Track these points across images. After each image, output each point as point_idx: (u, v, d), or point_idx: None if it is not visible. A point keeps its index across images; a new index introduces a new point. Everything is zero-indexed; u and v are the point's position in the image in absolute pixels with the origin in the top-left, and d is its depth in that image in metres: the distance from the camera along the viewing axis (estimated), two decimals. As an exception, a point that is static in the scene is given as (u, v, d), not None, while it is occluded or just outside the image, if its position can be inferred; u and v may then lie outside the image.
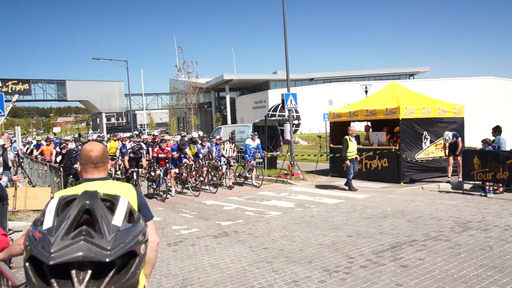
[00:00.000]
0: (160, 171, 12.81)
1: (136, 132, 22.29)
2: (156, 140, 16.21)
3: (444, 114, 14.05)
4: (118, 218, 1.54)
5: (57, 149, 16.80)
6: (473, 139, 18.02)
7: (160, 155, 13.42)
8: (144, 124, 60.03)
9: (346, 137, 12.70)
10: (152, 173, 13.38)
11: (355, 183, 12.89)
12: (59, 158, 15.45)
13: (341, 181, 13.47)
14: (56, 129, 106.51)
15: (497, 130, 11.95)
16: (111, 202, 1.62)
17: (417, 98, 14.81)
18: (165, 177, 12.96)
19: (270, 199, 11.79)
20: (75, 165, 12.10)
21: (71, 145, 15.07)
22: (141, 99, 63.37)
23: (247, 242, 7.31)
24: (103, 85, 60.39)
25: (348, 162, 12.55)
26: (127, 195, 2.42)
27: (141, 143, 16.27)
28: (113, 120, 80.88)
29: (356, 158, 12.77)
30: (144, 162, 13.52)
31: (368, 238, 7.20)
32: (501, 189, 10.97)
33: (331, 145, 15.77)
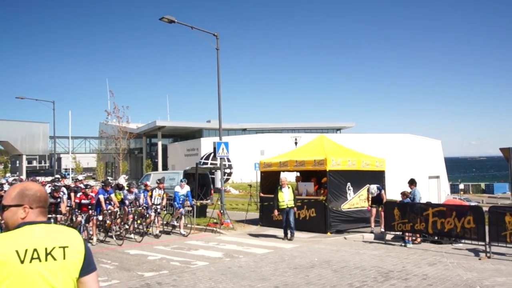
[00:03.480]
0: (82, 218, 12.03)
1: (58, 176, 20.97)
2: (77, 185, 15.30)
3: (368, 167, 14.75)
4: None
5: None
6: (392, 191, 18.99)
7: (83, 201, 12.66)
8: (69, 168, 56.88)
9: (279, 187, 12.86)
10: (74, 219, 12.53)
11: (283, 232, 12.91)
12: None
13: (270, 231, 13.43)
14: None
15: (412, 183, 12.72)
16: None
17: (343, 151, 15.47)
18: (87, 225, 12.16)
19: (198, 249, 11.41)
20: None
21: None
22: (67, 142, 60.32)
23: (171, 295, 6.91)
24: (26, 125, 56.83)
25: (276, 211, 12.62)
26: (73, 243, 2.20)
27: (63, 187, 15.27)
28: (34, 163, 76.03)
29: (289, 207, 12.71)
30: (63, 208, 12.64)
31: (295, 289, 7.11)
32: (418, 240, 11.51)
33: (261, 194, 15.84)
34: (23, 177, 36.63)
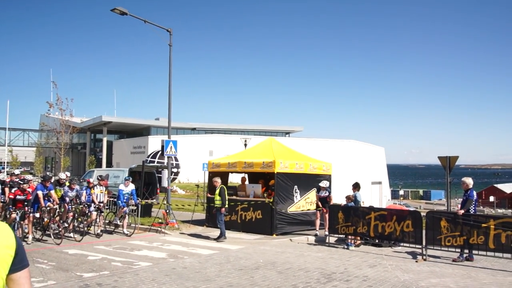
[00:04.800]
0: (17, 214, 11.37)
1: (-8, 170, 19.74)
2: (13, 180, 14.46)
3: (315, 171, 15.06)
4: None
5: None
6: (338, 196, 19.51)
7: (18, 197, 11.95)
8: (4, 162, 53.66)
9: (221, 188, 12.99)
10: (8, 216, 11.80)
11: (231, 233, 12.91)
12: None
13: (216, 232, 13.35)
14: None
15: (356, 187, 13.15)
16: None
17: (292, 154, 15.69)
18: (22, 222, 11.52)
19: (141, 249, 11.13)
20: None
21: None
22: (4, 133, 56.97)
23: (111, 296, 6.68)
24: (-44, 115, 53.19)
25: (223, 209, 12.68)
26: (2, 237, 2.03)
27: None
28: (-34, 156, 71.04)
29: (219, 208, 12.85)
30: None
31: (239, 290, 7.11)
32: (358, 242, 11.88)
33: (209, 195, 15.70)
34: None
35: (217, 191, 12.97)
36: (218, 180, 13.29)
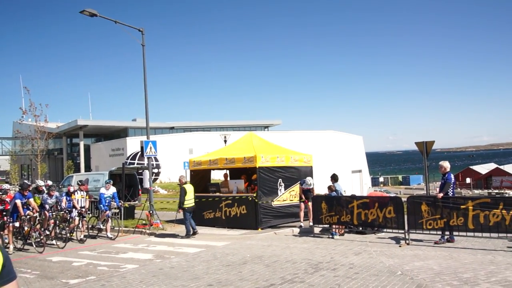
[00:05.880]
0: (-4, 225, 11.13)
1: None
2: None
3: (296, 163, 15.16)
4: None
5: None
6: (319, 186, 19.68)
7: (-4, 207, 11.70)
8: (-22, 172, 52.31)
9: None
10: None
11: (216, 230, 12.93)
12: None
13: (201, 230, 13.33)
14: None
15: (333, 178, 13.30)
16: None
17: (272, 148, 15.75)
18: (2, 232, 11.29)
19: (127, 252, 11.04)
20: None
21: None
22: (-25, 143, 55.48)
23: (100, 301, 6.62)
24: None
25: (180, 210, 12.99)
26: None
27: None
28: None
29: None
30: None
31: (228, 286, 7.14)
32: (342, 231, 12.03)
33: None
34: None
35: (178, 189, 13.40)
36: (183, 177, 13.94)
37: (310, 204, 13.12)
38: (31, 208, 12.09)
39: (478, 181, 69.64)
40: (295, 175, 14.76)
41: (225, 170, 16.46)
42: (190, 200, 13.02)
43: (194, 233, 12.89)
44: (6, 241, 11.54)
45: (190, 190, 13.17)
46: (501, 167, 72.50)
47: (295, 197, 14.38)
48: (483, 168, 75.17)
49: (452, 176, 10.48)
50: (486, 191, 57.50)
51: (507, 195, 43.42)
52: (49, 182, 14.29)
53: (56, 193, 13.41)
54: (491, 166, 76.45)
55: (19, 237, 12.34)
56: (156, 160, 34.59)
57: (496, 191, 55.68)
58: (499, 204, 9.38)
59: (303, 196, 13.54)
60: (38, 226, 12.14)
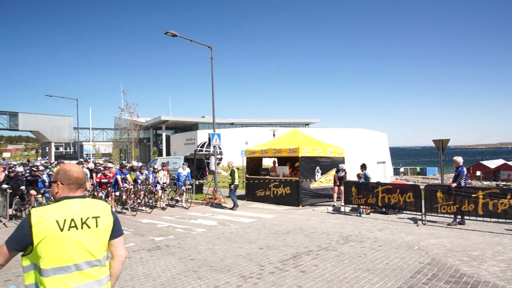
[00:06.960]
0: (102, 194, 11.87)
1: (82, 160, 20.54)
2: (98, 167, 15.02)
3: (331, 154, 14.89)
4: None
5: (6, 172, 14.79)
6: (350, 174, 19.20)
7: (102, 180, 12.49)
8: (90, 154, 55.81)
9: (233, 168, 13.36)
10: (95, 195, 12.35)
11: (266, 205, 13.02)
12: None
13: (254, 204, 13.47)
14: (6, 154, 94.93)
15: (363, 167, 12.92)
16: None
17: (312, 141, 15.56)
18: (106, 199, 12.02)
19: (197, 218, 11.40)
20: (22, 187, 10.80)
21: (19, 169, 13.44)
22: (88, 132, 59.18)
23: (177, 255, 6.92)
24: (54, 118, 55.52)
25: (232, 186, 13.04)
26: (104, 213, 2.18)
27: (85, 169, 14.99)
28: (61, 149, 74.22)
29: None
30: (88, 185, 12.45)
31: (275, 250, 7.20)
32: (368, 211, 11.72)
33: (247, 175, 15.86)
34: (52, 160, 35.78)
35: (229, 171, 13.27)
36: (231, 163, 13.81)
37: (342, 188, 12.88)
38: (127, 182, 12.78)
39: (487, 174, 64.93)
40: (330, 164, 14.52)
41: (273, 158, 16.49)
42: (237, 180, 13.24)
43: (237, 206, 13.13)
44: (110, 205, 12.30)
45: (237, 172, 13.36)
46: (509, 162, 67.14)
47: (329, 181, 14.16)
48: (492, 163, 69.92)
49: (465, 169, 9.87)
50: (494, 183, 53.53)
51: (514, 187, 40.14)
52: (140, 164, 15.01)
53: (146, 172, 14.07)
54: (500, 161, 70.89)
55: (118, 204, 13.10)
56: (220, 148, 35.28)
57: (504, 182, 51.68)
58: (507, 195, 8.74)
59: (337, 181, 13.31)
60: (132, 196, 12.83)
